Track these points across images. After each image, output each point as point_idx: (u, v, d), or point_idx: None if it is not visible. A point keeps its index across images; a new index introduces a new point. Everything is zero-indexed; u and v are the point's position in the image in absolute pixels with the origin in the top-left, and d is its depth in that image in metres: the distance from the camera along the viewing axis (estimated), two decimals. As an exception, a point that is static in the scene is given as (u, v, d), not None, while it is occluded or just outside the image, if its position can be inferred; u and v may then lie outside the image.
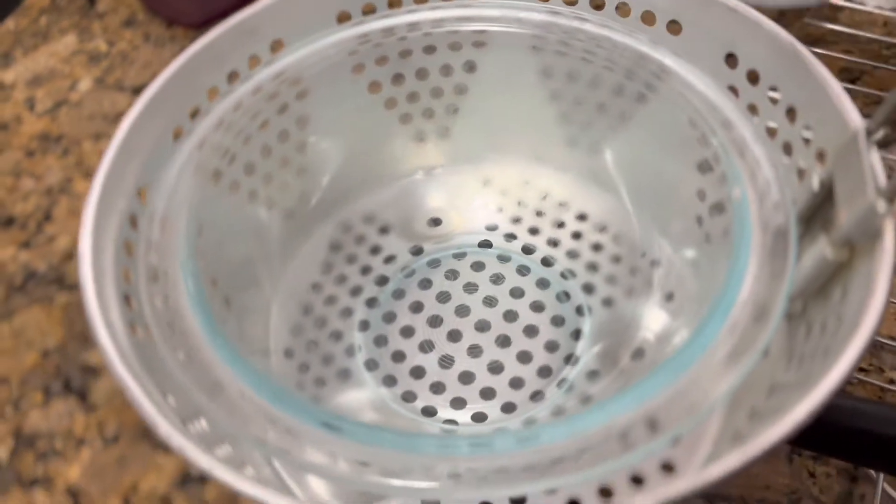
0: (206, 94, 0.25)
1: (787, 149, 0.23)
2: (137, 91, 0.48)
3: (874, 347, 0.34)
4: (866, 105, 0.42)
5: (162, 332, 0.20)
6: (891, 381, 0.33)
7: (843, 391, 0.27)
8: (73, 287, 0.40)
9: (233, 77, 0.26)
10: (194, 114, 0.25)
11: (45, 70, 0.50)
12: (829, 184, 0.20)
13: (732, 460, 0.15)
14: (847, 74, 0.43)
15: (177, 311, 0.20)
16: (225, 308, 0.24)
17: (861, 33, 0.44)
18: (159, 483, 0.33)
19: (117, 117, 0.47)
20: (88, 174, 0.44)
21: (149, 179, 0.23)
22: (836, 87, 0.21)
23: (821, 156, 0.22)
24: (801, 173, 0.23)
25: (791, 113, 0.23)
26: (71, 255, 0.41)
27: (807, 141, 0.22)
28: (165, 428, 0.16)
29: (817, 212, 0.21)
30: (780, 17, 0.46)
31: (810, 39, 0.44)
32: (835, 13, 0.46)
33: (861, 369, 0.33)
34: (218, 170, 0.24)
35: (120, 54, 0.50)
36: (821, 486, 0.31)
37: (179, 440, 0.16)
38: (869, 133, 0.19)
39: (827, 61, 0.42)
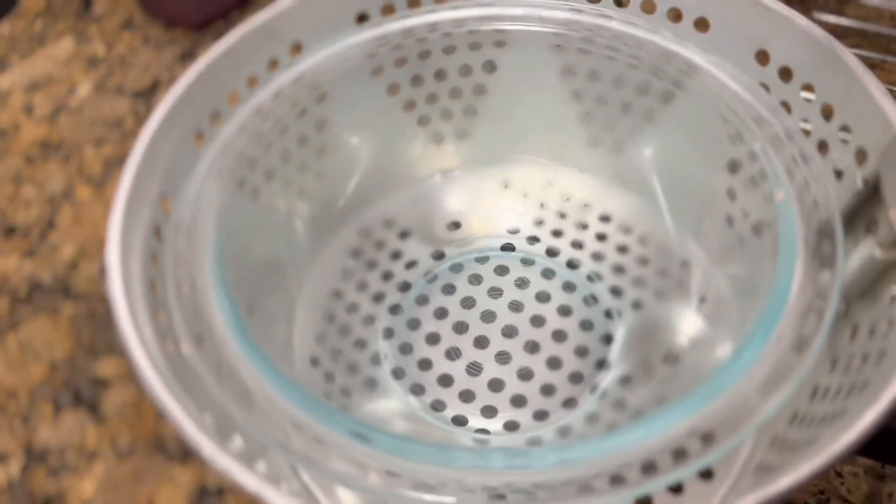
0: (227, 99, 0.24)
1: (823, 147, 0.23)
2: (138, 95, 0.47)
3: None
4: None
5: (193, 344, 0.19)
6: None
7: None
8: (79, 297, 0.39)
9: (252, 81, 0.25)
10: (215, 118, 0.24)
11: (42, 75, 0.49)
12: (874, 182, 0.20)
13: (804, 470, 0.15)
14: (857, 69, 0.43)
15: (205, 320, 0.20)
16: (249, 316, 0.23)
17: (869, 27, 0.44)
18: (176, 497, 0.33)
19: (118, 122, 0.46)
20: (90, 181, 0.43)
21: (173, 187, 0.22)
22: (877, 85, 0.21)
23: (861, 154, 0.21)
24: (839, 173, 0.22)
25: (827, 110, 0.22)
26: (76, 264, 0.40)
27: (845, 140, 0.22)
28: (210, 450, 0.16)
29: (860, 211, 0.21)
30: (788, 12, 0.46)
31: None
32: (841, 7, 0.46)
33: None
34: (241, 176, 0.23)
35: (118, 58, 0.49)
36: (848, 485, 0.31)
37: (225, 461, 0.15)
38: (917, 131, 0.19)
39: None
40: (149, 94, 0.47)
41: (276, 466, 0.21)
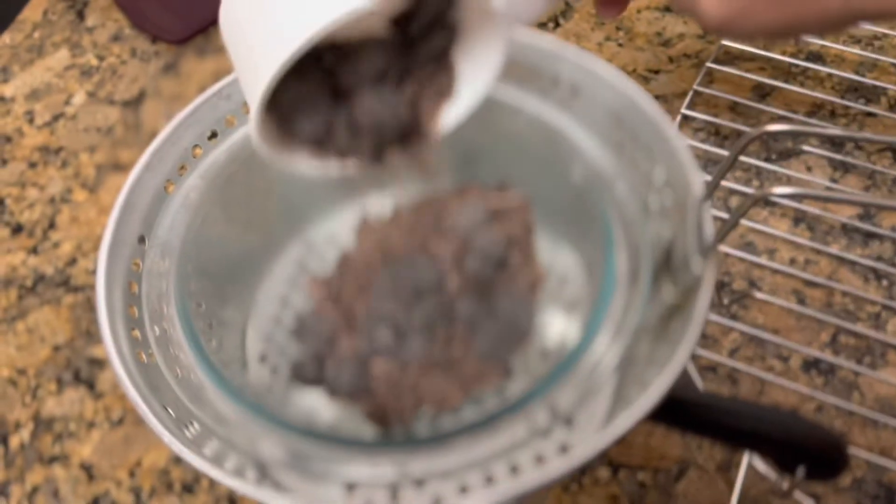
0: (192, 153, 0.30)
1: (656, 198, 0.29)
2: (126, 105, 0.53)
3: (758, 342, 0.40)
4: (773, 120, 0.48)
5: (162, 356, 0.26)
6: (770, 369, 0.39)
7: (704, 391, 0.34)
8: (78, 288, 0.45)
9: (212, 136, 0.31)
10: (182, 169, 0.30)
11: (41, 84, 0.54)
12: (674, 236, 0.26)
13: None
14: (759, 91, 0.49)
15: (173, 339, 0.27)
16: (208, 328, 0.30)
17: (772, 55, 0.50)
18: (159, 458, 0.40)
19: (109, 130, 0.52)
20: (86, 185, 0.49)
21: (148, 228, 0.29)
22: (688, 157, 0.27)
23: (678, 207, 0.28)
24: (665, 218, 0.29)
25: (659, 171, 0.29)
26: (74, 259, 0.47)
27: (670, 191, 0.28)
28: (168, 437, 0.22)
29: (670, 255, 0.27)
30: (703, 37, 0.52)
31: (728, 58, 0.50)
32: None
33: (747, 358, 0.40)
34: (203, 215, 0.30)
35: (109, 68, 0.55)
36: (706, 454, 0.38)
37: (179, 448, 0.22)
38: (698, 204, 0.25)
39: (738, 79, 0.47)
40: (136, 104, 0.53)
41: (229, 446, 0.28)
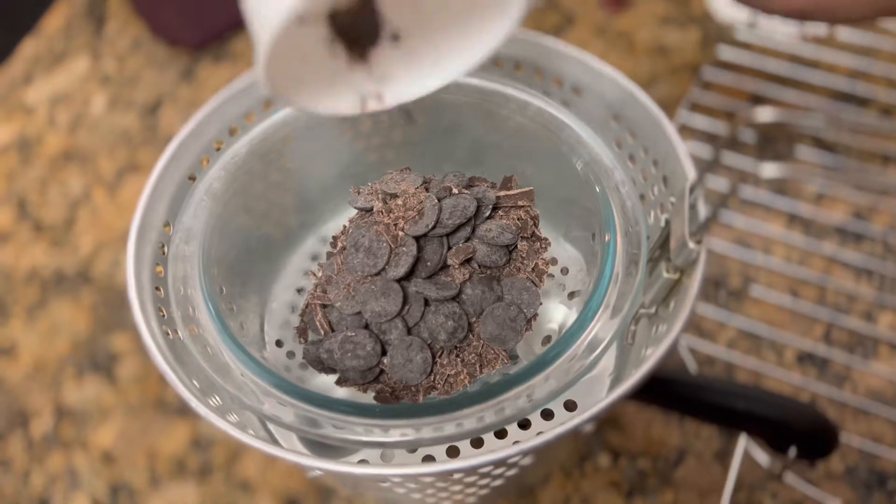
0: (213, 147, 0.32)
1: (653, 190, 0.31)
2: (145, 110, 0.55)
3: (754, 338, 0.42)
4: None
5: (188, 333, 0.27)
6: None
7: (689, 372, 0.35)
8: (97, 284, 0.47)
9: (232, 131, 0.33)
10: (204, 161, 0.32)
11: (63, 90, 0.56)
12: (668, 225, 0.28)
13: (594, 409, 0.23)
14: (754, 98, 0.51)
15: (197, 319, 0.28)
16: (230, 311, 0.31)
17: (769, 59, 0.52)
18: (176, 445, 0.41)
19: (127, 134, 0.54)
20: (105, 185, 0.51)
21: (173, 215, 0.30)
22: (682, 149, 0.29)
23: (673, 195, 0.29)
24: (661, 208, 0.30)
25: (656, 164, 0.30)
26: (93, 257, 0.48)
27: (665, 183, 0.30)
28: (195, 403, 0.24)
29: (666, 241, 0.29)
30: (704, 41, 0.54)
31: (724, 67, 0.52)
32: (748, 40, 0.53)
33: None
34: (224, 204, 0.31)
35: (128, 75, 0.57)
36: (703, 442, 0.39)
37: (205, 412, 0.24)
38: (691, 190, 0.27)
39: (735, 87, 0.49)
40: (154, 109, 0.55)
41: (246, 418, 0.29)
